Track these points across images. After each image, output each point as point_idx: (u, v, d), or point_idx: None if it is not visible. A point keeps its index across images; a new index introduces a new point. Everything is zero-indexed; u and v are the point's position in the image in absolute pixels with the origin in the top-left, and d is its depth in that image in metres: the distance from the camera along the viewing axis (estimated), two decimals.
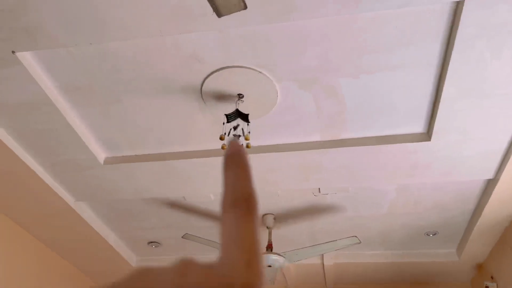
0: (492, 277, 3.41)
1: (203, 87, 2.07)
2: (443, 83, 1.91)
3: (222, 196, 0.24)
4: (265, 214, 3.28)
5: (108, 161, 2.63)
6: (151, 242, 3.74)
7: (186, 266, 0.21)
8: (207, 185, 2.81)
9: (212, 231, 3.44)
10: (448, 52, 1.78)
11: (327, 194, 2.95)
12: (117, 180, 2.77)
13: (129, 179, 2.77)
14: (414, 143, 2.33)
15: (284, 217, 3.31)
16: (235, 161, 0.25)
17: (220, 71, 1.99)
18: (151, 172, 2.70)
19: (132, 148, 2.58)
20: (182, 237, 3.11)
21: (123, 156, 2.63)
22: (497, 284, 3.31)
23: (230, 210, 0.22)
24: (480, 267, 3.63)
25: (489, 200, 2.68)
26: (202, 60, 1.94)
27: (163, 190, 2.90)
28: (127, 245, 3.81)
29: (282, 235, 3.46)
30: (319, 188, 2.88)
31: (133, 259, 4.01)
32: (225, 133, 2.00)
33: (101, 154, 2.59)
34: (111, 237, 3.58)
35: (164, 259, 4.03)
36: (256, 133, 2.34)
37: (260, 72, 2.00)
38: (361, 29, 1.76)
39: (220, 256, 0.21)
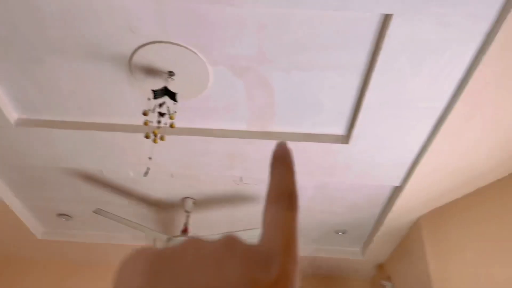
0: (389, 277, 3.69)
1: (133, 58, 1.99)
2: (366, 91, 2.02)
3: (268, 191, 0.26)
4: (185, 198, 3.26)
5: (21, 123, 2.44)
6: (61, 214, 3.55)
7: (232, 241, 0.23)
8: (127, 161, 2.72)
9: (126, 209, 3.35)
10: (373, 61, 1.88)
11: (248, 184, 3.00)
12: (29, 144, 2.59)
13: (44, 145, 2.60)
14: (335, 144, 2.44)
15: (205, 202, 3.31)
16: (282, 161, 0.27)
17: (153, 45, 1.93)
18: (69, 141, 2.55)
19: (51, 112, 2.41)
20: (93, 211, 2.99)
21: (39, 119, 2.46)
22: (392, 285, 3.59)
23: (274, 203, 0.25)
24: (380, 267, 3.92)
25: (394, 206, 2.89)
26: (135, 29, 1.87)
27: (80, 161, 2.76)
28: (33, 215, 3.59)
29: (201, 220, 3.46)
30: (241, 177, 2.91)
31: (39, 230, 3.78)
32: (149, 110, 1.94)
33: (13, 114, 2.40)
34: (16, 205, 3.34)
35: (74, 233, 3.85)
36: (184, 115, 2.30)
37: (195, 53, 1.97)
38: (298, 25, 1.80)
39: (261, 239, 0.23)
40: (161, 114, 1.95)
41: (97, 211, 2.84)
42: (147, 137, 1.90)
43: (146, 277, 0.21)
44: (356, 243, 3.77)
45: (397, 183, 2.70)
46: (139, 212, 3.47)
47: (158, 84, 2.05)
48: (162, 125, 2.00)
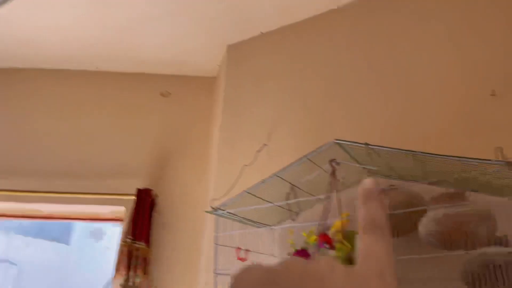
0: None
1: None
2: None
3: (362, 222, 0.28)
4: None
5: None
6: None
7: (333, 262, 0.25)
8: None
9: None
10: None
11: None
12: None
13: None
14: None
15: None
16: (373, 196, 0.29)
17: None
18: None
19: None
20: None
21: None
22: None
23: (368, 234, 0.27)
24: None
25: None
26: None
27: None
28: None
29: None
30: None
31: None
32: None
33: None
34: None
35: None
36: None
37: None
38: None
39: (359, 264, 0.26)
40: None
41: None
42: None
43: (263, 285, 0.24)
44: None
45: None
46: None
47: None
48: None
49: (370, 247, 0.26)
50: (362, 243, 0.27)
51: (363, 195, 0.30)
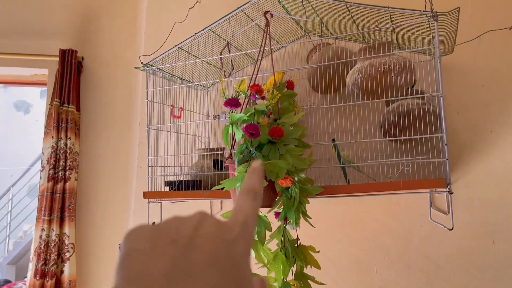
0: None
1: None
2: None
3: (241, 187, 0.34)
4: None
5: None
6: None
7: (205, 216, 0.30)
8: None
9: None
10: None
11: None
12: None
13: None
14: None
15: None
16: (257, 171, 0.35)
17: None
18: None
19: None
20: None
21: None
22: None
23: (243, 194, 0.33)
24: None
25: None
26: None
27: None
28: None
29: None
30: None
31: None
32: None
33: None
34: None
35: None
36: None
37: None
38: None
39: (231, 216, 0.31)
40: None
41: None
42: None
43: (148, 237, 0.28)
44: None
45: None
46: None
47: None
48: None
49: (241, 204, 0.32)
50: (238, 201, 0.33)
51: (250, 170, 0.35)
